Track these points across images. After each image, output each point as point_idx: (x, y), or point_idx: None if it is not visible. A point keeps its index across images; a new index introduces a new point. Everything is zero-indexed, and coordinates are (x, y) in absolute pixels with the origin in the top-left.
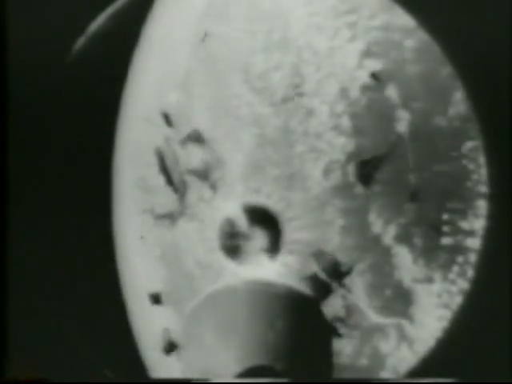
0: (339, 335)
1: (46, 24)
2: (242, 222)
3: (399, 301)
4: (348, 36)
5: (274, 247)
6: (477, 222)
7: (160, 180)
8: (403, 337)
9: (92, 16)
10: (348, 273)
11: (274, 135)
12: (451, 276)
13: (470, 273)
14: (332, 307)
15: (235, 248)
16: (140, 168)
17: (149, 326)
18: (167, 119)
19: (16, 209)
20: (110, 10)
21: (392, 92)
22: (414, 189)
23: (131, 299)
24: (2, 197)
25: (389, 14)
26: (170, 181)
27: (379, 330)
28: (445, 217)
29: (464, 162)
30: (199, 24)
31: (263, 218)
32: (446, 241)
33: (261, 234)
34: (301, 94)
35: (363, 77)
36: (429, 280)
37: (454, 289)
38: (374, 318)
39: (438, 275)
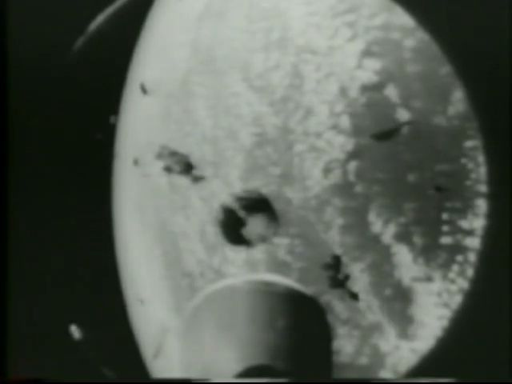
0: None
1: (45, 24)
2: (240, 210)
3: (399, 299)
4: (347, 35)
5: (271, 232)
6: (476, 221)
7: (162, 179)
8: (403, 336)
9: (92, 16)
10: (338, 266)
11: (274, 134)
12: (451, 275)
13: (470, 272)
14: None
15: (233, 233)
16: (141, 166)
17: (149, 325)
18: (167, 118)
19: (16, 208)
20: (109, 10)
21: (391, 91)
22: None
23: (131, 299)
24: (2, 196)
25: (388, 14)
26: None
27: (379, 328)
28: (444, 216)
29: (463, 160)
30: (199, 23)
31: (260, 205)
32: (445, 240)
33: (258, 220)
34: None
35: (363, 76)
36: (428, 279)
37: (453, 288)
38: (374, 316)
39: (437, 274)
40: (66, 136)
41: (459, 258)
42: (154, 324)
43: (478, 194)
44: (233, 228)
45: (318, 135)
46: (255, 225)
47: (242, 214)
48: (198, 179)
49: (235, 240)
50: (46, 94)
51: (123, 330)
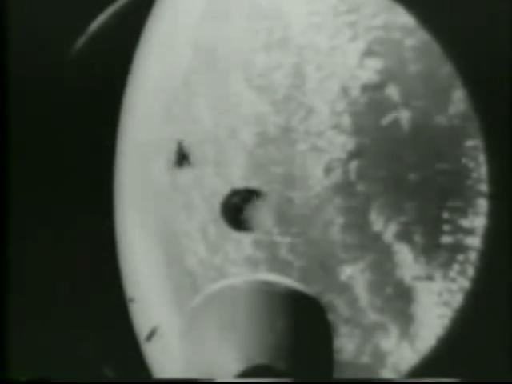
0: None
1: (46, 24)
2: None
3: (400, 299)
4: (348, 35)
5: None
6: (477, 221)
7: (163, 178)
8: (404, 335)
9: (92, 16)
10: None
11: (275, 134)
12: (452, 274)
13: (471, 271)
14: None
15: (236, 219)
16: (142, 167)
17: (149, 325)
18: (169, 118)
19: (16, 208)
20: (110, 10)
21: (392, 91)
22: None
23: (134, 299)
24: (2, 197)
25: (389, 14)
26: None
27: (380, 327)
28: (445, 215)
29: (464, 160)
30: (200, 23)
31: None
32: (446, 239)
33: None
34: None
35: (364, 76)
36: (429, 278)
37: (454, 287)
38: (375, 315)
39: (438, 273)
40: (66, 135)
41: (460, 257)
42: (155, 323)
43: (479, 194)
44: (233, 215)
45: (320, 134)
46: (252, 211)
47: (240, 202)
48: (182, 163)
49: (237, 226)
50: (47, 94)
51: (123, 329)
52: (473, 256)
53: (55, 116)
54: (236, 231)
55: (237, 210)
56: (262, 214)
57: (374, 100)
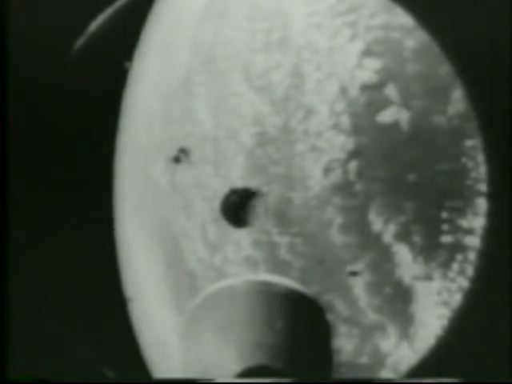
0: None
1: (46, 24)
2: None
3: (399, 299)
4: (348, 35)
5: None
6: (476, 220)
7: (163, 178)
8: (403, 335)
9: (92, 16)
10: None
11: (275, 134)
12: (451, 274)
13: (470, 271)
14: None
15: (235, 217)
16: (142, 167)
17: (149, 325)
18: (168, 118)
19: (16, 209)
20: (110, 10)
21: (391, 91)
22: None
23: (132, 298)
24: (2, 198)
25: (388, 14)
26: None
27: (379, 328)
28: (444, 215)
29: (463, 160)
30: (200, 23)
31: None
32: (445, 239)
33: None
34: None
35: (363, 76)
36: (428, 278)
37: (453, 287)
38: (374, 316)
39: (437, 273)
40: (66, 136)
41: (459, 256)
42: (155, 324)
43: (478, 193)
44: (233, 213)
45: (319, 135)
46: (251, 210)
47: (239, 201)
48: (178, 160)
49: (236, 223)
50: (46, 94)
51: (123, 329)
52: (472, 256)
53: (55, 116)
54: (235, 228)
55: (236, 207)
56: (261, 214)
57: (373, 100)
